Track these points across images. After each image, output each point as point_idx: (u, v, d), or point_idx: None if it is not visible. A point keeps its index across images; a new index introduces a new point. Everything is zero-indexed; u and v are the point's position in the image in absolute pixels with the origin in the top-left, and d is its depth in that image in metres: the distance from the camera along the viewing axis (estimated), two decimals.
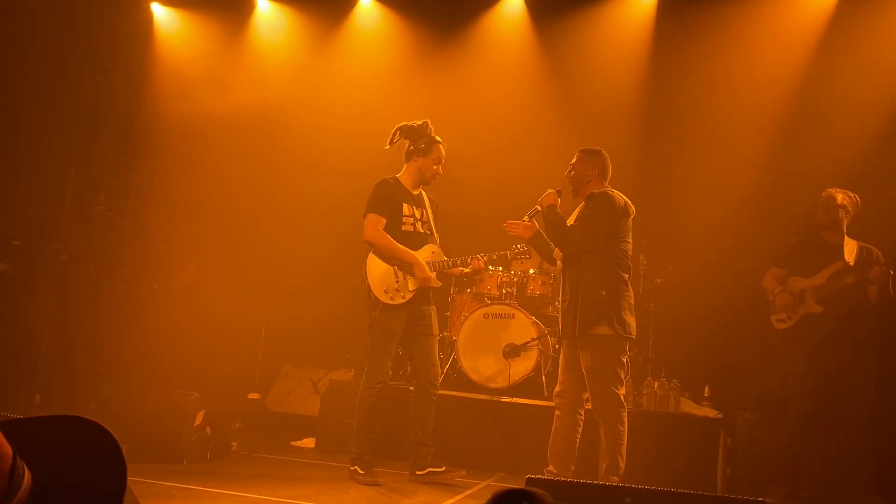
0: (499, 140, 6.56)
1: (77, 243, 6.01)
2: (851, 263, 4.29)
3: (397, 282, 4.42)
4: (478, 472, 4.71)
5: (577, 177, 4.21)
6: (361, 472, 4.31)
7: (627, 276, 4.07)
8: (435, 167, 4.55)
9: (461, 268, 4.59)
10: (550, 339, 5.68)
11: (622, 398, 3.99)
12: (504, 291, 5.92)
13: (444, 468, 4.38)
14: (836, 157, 5.43)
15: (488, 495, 1.71)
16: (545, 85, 6.76)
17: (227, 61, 7.11)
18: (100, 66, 6.63)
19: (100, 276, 6.07)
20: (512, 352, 5.49)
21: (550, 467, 4.12)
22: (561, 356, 4.28)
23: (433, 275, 4.48)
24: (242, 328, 6.81)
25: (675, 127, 6.34)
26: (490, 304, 5.78)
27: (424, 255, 4.49)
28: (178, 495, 3.73)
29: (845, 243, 4.38)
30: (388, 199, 4.47)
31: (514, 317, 5.61)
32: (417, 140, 4.54)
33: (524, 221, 4.25)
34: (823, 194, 4.47)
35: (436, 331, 4.60)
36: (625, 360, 4.03)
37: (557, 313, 4.52)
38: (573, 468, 4.12)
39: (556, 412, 4.21)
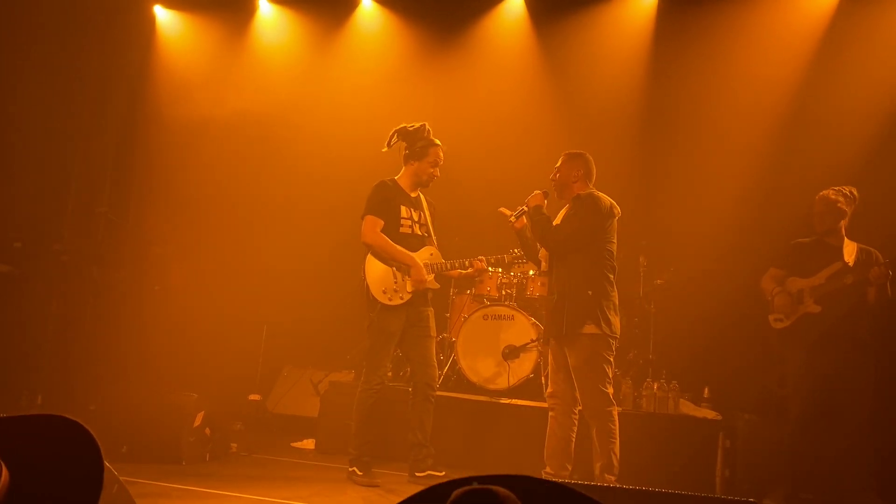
0: (499, 142, 6.57)
1: (78, 245, 6.04)
2: (851, 264, 4.28)
3: (396, 283, 4.43)
4: (476, 474, 4.69)
5: (562, 178, 4.27)
6: (360, 473, 4.32)
7: (613, 276, 4.11)
8: (432, 170, 4.55)
9: (460, 270, 4.59)
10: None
11: (611, 396, 4.01)
12: (503, 293, 5.92)
13: (444, 473, 4.36)
14: (835, 158, 5.41)
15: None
16: (545, 87, 6.76)
17: (228, 64, 7.14)
18: (102, 69, 6.68)
19: (101, 278, 6.09)
20: (511, 353, 5.49)
21: (547, 468, 4.14)
22: (549, 357, 4.31)
23: (430, 277, 4.49)
24: (243, 329, 6.83)
25: (675, 129, 6.33)
26: (489, 305, 5.78)
27: (422, 257, 4.50)
28: (176, 495, 3.75)
29: (845, 245, 4.37)
30: (386, 201, 4.48)
31: (513, 318, 5.61)
32: (414, 142, 4.55)
33: (511, 220, 4.29)
34: (817, 198, 4.44)
35: (434, 332, 4.60)
36: (611, 358, 4.06)
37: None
38: (570, 468, 4.14)
39: (550, 413, 4.23)
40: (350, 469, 4.37)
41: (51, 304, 5.88)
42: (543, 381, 5.50)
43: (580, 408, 4.14)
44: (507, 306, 5.70)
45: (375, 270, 4.44)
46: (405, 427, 4.51)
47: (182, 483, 3.97)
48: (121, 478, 2.52)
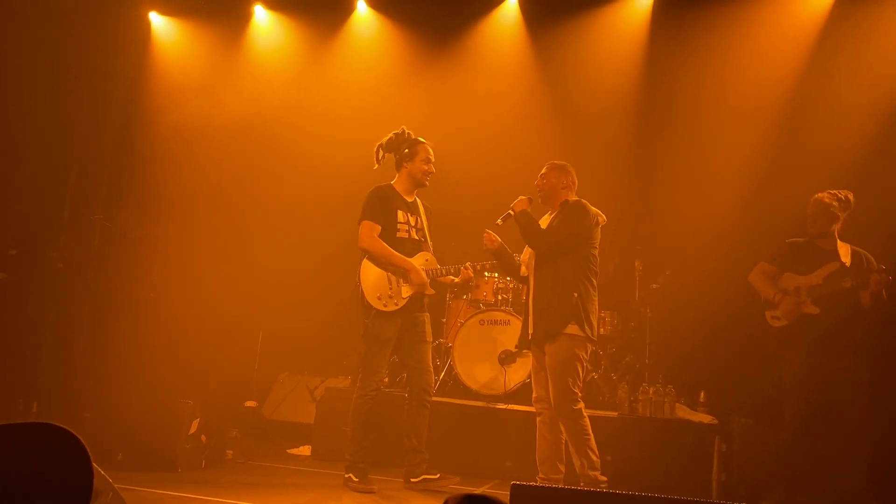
0: (495, 147, 6.57)
1: (74, 252, 6.03)
2: (848, 265, 4.28)
3: (390, 288, 4.43)
4: (473, 480, 4.71)
5: (549, 186, 4.38)
6: (356, 479, 4.31)
7: (595, 280, 4.23)
8: (425, 167, 4.58)
9: (451, 277, 4.60)
10: None
11: (579, 395, 4.08)
12: (500, 298, 5.93)
13: (438, 475, 4.37)
14: (832, 160, 5.42)
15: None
16: (541, 91, 6.77)
17: (224, 70, 7.14)
18: (98, 75, 6.67)
19: (97, 285, 6.08)
20: (507, 358, 5.50)
21: (540, 474, 4.19)
22: (532, 361, 4.37)
23: (428, 281, 4.49)
24: (239, 336, 6.82)
25: (671, 132, 6.34)
26: (486, 310, 5.78)
27: (418, 262, 4.50)
28: (172, 503, 3.74)
29: (838, 247, 4.38)
30: (382, 206, 4.48)
31: (509, 323, 5.61)
32: (400, 147, 4.58)
33: (497, 224, 4.33)
34: (812, 200, 4.45)
35: (430, 337, 4.60)
36: (585, 360, 4.16)
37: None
38: (563, 469, 4.19)
39: (538, 418, 4.28)
40: (346, 475, 4.36)
41: (47, 311, 5.88)
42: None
43: None
44: (504, 311, 5.71)
45: (370, 276, 4.44)
46: (401, 433, 4.50)
47: (178, 490, 3.96)
48: (116, 485, 2.52)
